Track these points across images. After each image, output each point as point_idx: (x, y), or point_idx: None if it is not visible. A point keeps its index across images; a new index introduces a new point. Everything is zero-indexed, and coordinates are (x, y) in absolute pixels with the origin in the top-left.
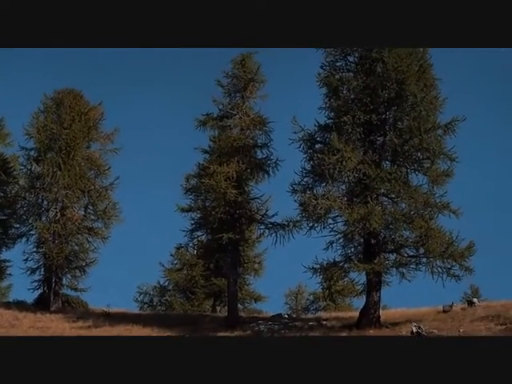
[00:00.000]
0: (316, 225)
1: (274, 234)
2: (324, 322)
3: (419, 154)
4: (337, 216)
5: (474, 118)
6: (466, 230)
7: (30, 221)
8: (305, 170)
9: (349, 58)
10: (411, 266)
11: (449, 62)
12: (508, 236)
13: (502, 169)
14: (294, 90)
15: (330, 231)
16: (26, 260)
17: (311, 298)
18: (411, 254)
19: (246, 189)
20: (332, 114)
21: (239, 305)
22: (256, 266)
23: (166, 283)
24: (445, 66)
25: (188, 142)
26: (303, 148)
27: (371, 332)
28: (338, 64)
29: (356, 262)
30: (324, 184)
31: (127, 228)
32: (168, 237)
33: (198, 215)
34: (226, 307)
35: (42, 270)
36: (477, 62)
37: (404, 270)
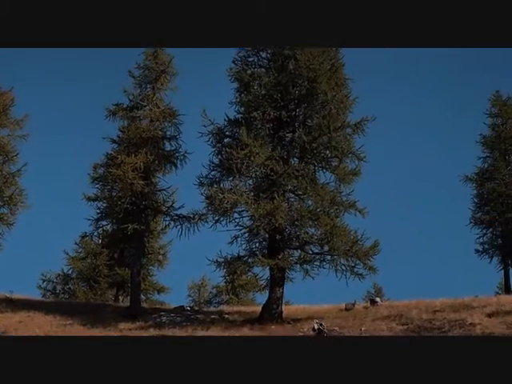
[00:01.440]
0: (222, 218)
1: (179, 226)
2: (226, 316)
3: (327, 152)
4: (243, 210)
5: (383, 118)
6: (371, 230)
7: None
8: (213, 163)
9: (261, 53)
10: (315, 263)
11: (363, 60)
12: (413, 237)
13: (410, 170)
14: (204, 84)
15: (236, 225)
16: None
17: (214, 291)
18: (316, 251)
19: (153, 180)
20: (242, 108)
21: (142, 295)
22: (160, 257)
23: (70, 271)
24: (357, 66)
25: (97, 131)
26: (212, 142)
27: (273, 327)
28: (250, 59)
29: (260, 257)
30: (231, 178)
31: (33, 215)
32: (73, 225)
33: (104, 205)
34: (129, 297)
35: None
36: (391, 62)
37: (308, 267)
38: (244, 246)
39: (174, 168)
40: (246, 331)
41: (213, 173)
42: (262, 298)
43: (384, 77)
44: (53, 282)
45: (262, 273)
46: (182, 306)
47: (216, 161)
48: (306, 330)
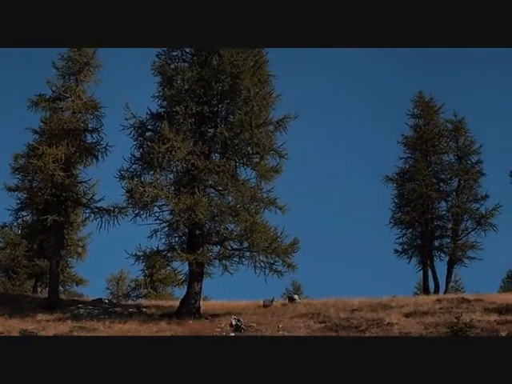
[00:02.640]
0: (142, 212)
1: (99, 219)
2: (144, 310)
3: (249, 148)
4: (163, 205)
5: (306, 116)
6: (291, 227)
7: None
8: (134, 157)
9: (185, 48)
10: (234, 258)
11: (288, 58)
12: (333, 236)
13: (331, 169)
14: (128, 77)
15: (156, 219)
16: None
17: (133, 284)
18: (235, 247)
19: (73, 172)
20: (165, 103)
21: (60, 287)
22: (79, 249)
23: None
24: (282, 63)
25: (19, 121)
26: (133, 135)
27: (190, 322)
28: (173, 54)
29: (179, 251)
30: (152, 172)
31: None
32: None
33: (25, 195)
34: (47, 289)
35: None
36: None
37: (227, 263)
38: (163, 240)
39: (95, 160)
40: (163, 325)
41: (134, 166)
42: (181, 292)
43: (308, 75)
44: None
45: (181, 267)
46: (101, 299)
47: (137, 154)
48: (223, 325)
